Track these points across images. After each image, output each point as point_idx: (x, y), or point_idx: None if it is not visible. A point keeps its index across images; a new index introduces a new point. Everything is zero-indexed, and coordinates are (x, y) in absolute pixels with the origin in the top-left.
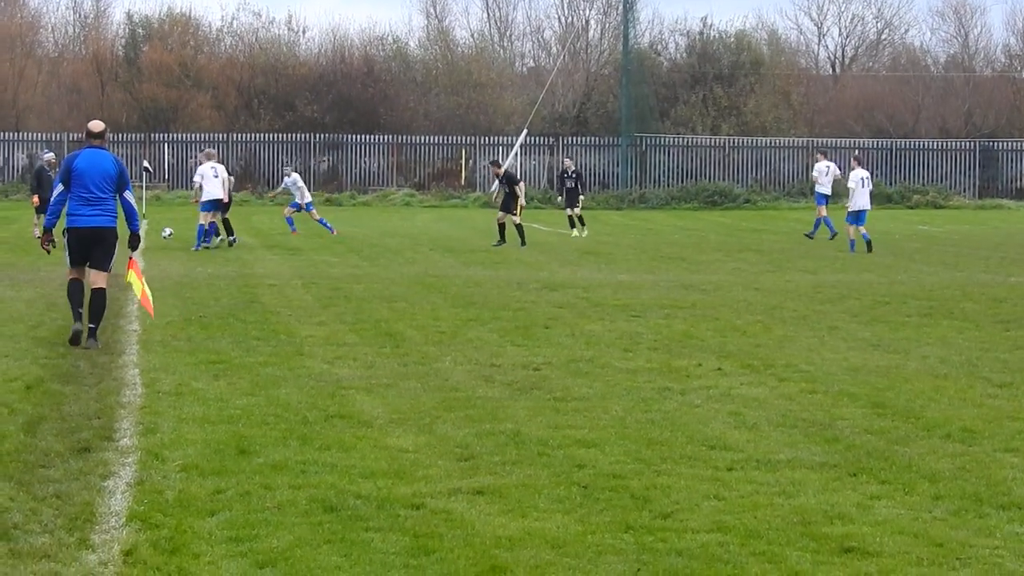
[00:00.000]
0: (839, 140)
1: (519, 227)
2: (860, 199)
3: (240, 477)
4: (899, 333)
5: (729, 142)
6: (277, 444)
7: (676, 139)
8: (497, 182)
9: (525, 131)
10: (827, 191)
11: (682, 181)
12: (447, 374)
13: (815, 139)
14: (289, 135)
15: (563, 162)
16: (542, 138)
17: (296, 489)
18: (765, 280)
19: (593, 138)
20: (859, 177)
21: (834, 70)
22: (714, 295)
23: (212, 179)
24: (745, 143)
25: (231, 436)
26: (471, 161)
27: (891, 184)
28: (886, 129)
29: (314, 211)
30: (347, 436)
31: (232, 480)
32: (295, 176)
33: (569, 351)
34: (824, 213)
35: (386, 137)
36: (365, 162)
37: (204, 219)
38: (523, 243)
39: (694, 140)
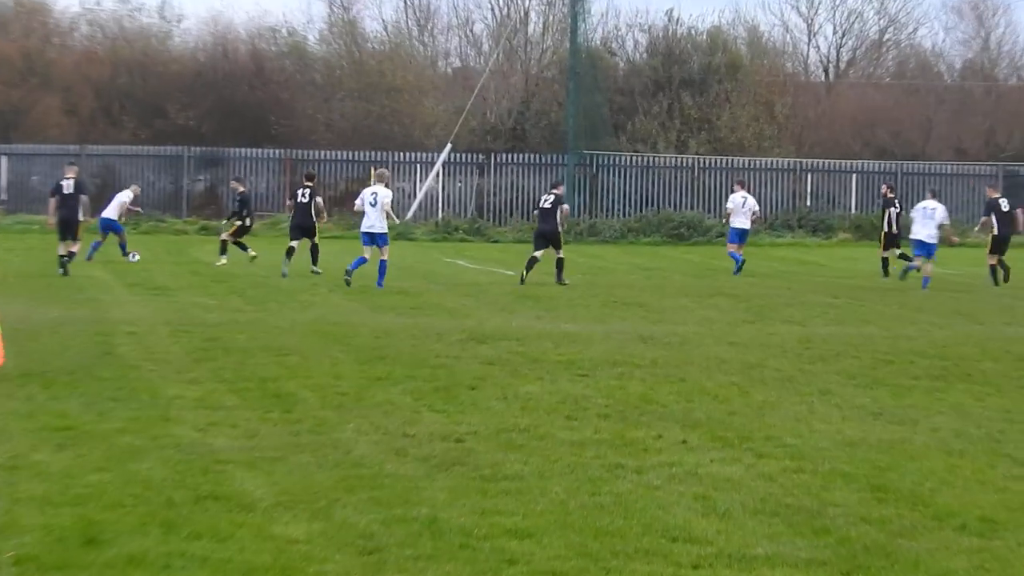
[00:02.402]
0: (831, 163)
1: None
2: (917, 228)
3: (88, 572)
4: (905, 399)
5: (699, 162)
6: (135, 532)
7: (634, 158)
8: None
9: (449, 146)
10: (745, 226)
11: (641, 209)
12: (349, 446)
13: (803, 160)
14: (157, 148)
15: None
16: (470, 155)
17: None
18: (742, 332)
19: (533, 155)
20: (921, 207)
21: (827, 76)
22: (679, 350)
23: (369, 207)
24: (718, 164)
25: (77, 521)
26: None
27: None
28: (889, 149)
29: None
30: (223, 522)
31: None
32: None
33: (500, 418)
34: (733, 249)
35: (278, 152)
36: (251, 181)
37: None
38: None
39: (656, 159)
